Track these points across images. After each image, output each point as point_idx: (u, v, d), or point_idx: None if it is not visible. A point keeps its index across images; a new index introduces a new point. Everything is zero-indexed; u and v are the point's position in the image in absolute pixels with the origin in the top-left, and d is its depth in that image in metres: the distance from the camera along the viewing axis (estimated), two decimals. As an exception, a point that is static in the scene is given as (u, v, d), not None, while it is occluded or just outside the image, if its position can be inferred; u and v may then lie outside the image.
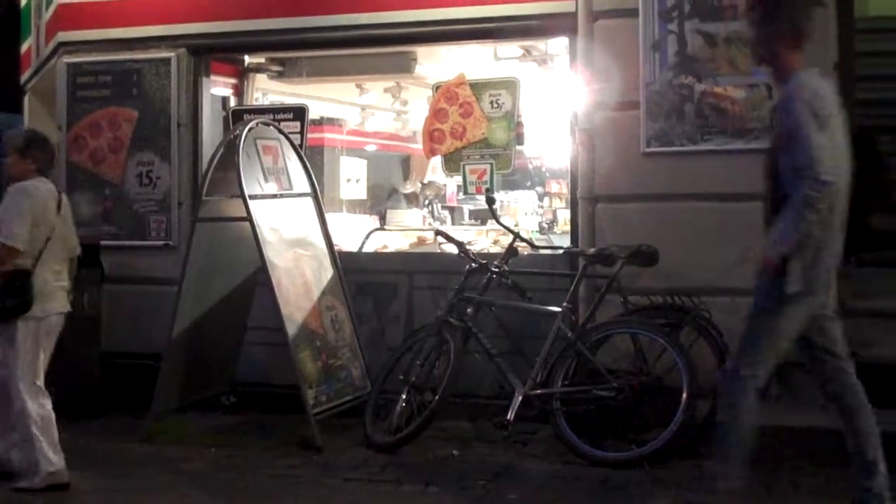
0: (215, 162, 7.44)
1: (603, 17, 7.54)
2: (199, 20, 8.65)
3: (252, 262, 7.55)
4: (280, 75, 9.41)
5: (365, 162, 12.62)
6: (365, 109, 11.90)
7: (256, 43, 8.81)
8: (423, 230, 10.62)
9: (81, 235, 8.32)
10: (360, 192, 12.38)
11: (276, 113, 8.64)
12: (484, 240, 10.06)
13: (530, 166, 13.89)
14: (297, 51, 9.03)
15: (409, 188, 14.15)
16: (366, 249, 9.03)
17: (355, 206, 12.16)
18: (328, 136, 12.07)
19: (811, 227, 4.73)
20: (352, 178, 12.57)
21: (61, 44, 9.13)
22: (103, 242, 8.50)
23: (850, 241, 5.19)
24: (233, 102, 9.28)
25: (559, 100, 8.55)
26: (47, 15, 9.81)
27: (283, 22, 8.48)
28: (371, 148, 13.43)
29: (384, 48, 8.83)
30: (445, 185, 13.50)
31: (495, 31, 8.08)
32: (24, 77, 11.82)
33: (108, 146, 8.86)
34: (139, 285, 8.65)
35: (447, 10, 8.02)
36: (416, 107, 11.21)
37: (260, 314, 7.88)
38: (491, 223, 9.70)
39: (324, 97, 11.11)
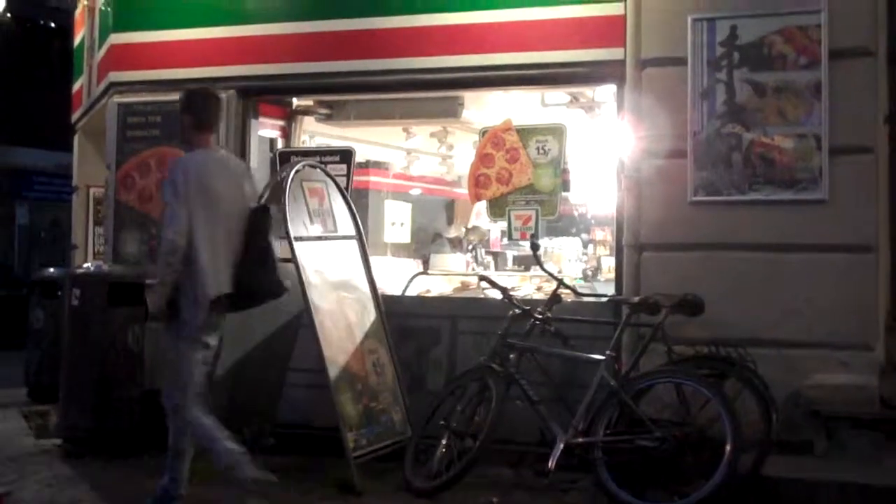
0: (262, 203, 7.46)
1: (651, 65, 7.54)
2: (248, 62, 8.74)
3: (296, 303, 7.54)
4: (328, 118, 9.48)
5: (409, 206, 12.65)
6: (410, 153, 11.93)
7: (305, 86, 8.90)
8: (466, 275, 10.60)
9: (128, 274, 8.51)
10: (405, 236, 12.39)
11: (323, 155, 8.69)
12: (528, 286, 10.01)
13: (576, 213, 13.86)
14: (345, 94, 9.10)
15: (453, 233, 14.14)
16: (409, 293, 9.02)
17: (399, 249, 12.17)
18: (373, 179, 12.12)
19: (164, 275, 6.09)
20: (396, 221, 12.59)
21: (112, 83, 9.25)
22: (148, 281, 8.52)
23: None
24: (280, 144, 9.34)
25: (606, 146, 8.53)
26: (99, 55, 9.96)
27: (331, 65, 8.55)
28: (416, 192, 13.46)
29: (431, 93, 8.89)
30: (489, 231, 13.51)
31: (542, 77, 8.13)
32: (74, 116, 11.99)
33: (155, 186, 8.92)
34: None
35: (495, 56, 8.07)
36: (462, 151, 11.24)
37: (302, 356, 7.88)
38: (535, 269, 9.68)
39: (370, 140, 11.18)
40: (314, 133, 10.03)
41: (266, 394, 7.98)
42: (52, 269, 10.74)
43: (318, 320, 7.16)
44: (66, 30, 16.78)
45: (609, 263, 11.88)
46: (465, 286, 9.95)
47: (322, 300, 7.31)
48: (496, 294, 7.58)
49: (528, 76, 8.09)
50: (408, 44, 8.33)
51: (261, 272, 6.34)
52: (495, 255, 13.66)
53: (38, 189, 26.60)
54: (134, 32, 9.17)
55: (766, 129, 7.21)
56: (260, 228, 6.36)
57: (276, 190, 7.38)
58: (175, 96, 8.63)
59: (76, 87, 11.92)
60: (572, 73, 7.99)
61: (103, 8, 9.79)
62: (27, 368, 10.58)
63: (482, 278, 8.21)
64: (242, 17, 8.78)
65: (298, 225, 7.33)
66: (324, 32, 8.57)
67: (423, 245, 12.99)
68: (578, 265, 12.63)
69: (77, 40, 11.98)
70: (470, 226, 13.94)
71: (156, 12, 9.09)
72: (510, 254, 13.03)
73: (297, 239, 7.21)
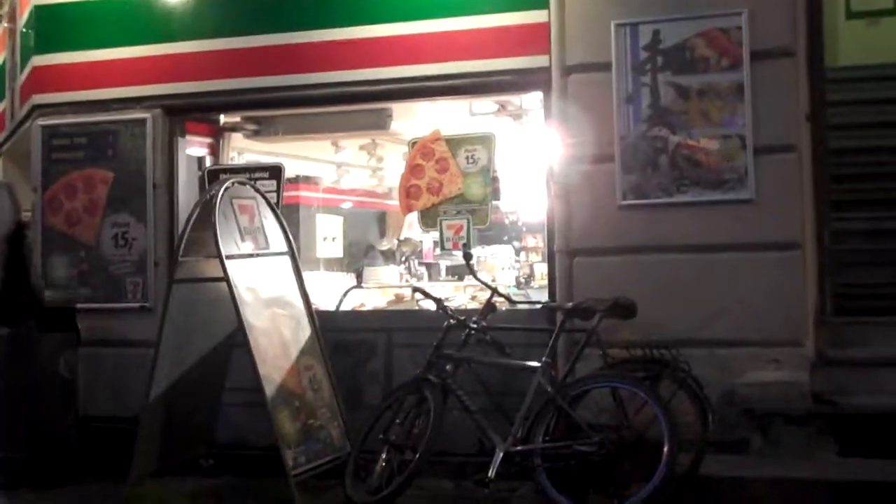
0: (192, 222, 7.40)
1: (576, 72, 7.58)
2: (173, 80, 8.66)
3: (229, 322, 7.48)
4: (256, 134, 9.41)
5: (341, 219, 12.66)
6: (340, 167, 11.92)
7: (231, 102, 8.82)
8: (400, 287, 10.60)
9: (57, 298, 8.39)
10: (337, 250, 12.39)
11: (252, 172, 8.62)
12: (462, 296, 10.05)
13: (507, 221, 13.93)
14: (272, 109, 9.01)
15: (385, 245, 14.19)
16: (343, 308, 8.99)
17: (332, 264, 12.15)
18: (304, 193, 12.12)
19: None
20: (328, 235, 12.60)
21: (36, 106, 9.11)
22: (79, 305, 8.43)
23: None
24: (209, 162, 9.26)
25: (534, 154, 8.57)
26: (22, 77, 9.81)
27: (257, 81, 8.50)
28: (347, 205, 13.48)
29: (359, 105, 8.84)
30: (422, 242, 13.53)
31: (469, 86, 8.12)
32: (-2, 140, 11.80)
33: (83, 208, 8.81)
34: (116, 348, 8.59)
35: (421, 67, 8.07)
36: (392, 163, 11.24)
37: (237, 375, 7.81)
38: (468, 279, 9.69)
39: (299, 155, 11.15)
40: (243, 150, 9.97)
41: (202, 414, 7.90)
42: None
43: (253, 338, 7.10)
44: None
45: (542, 270, 11.98)
46: (399, 299, 9.97)
47: (256, 318, 7.25)
48: (431, 305, 7.57)
49: (454, 86, 8.09)
50: (333, 57, 8.29)
51: (18, 288, 6.22)
52: (428, 265, 13.70)
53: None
54: (56, 54, 9.03)
55: (691, 131, 7.28)
56: (16, 244, 6.24)
57: (206, 208, 7.33)
58: (100, 117, 8.68)
59: (-1, 110, 11.75)
60: (498, 82, 8.01)
61: (24, 30, 9.63)
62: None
63: (416, 290, 8.22)
64: (166, 35, 8.68)
65: (229, 243, 7.26)
66: (248, 48, 8.51)
67: (356, 258, 12.99)
68: (511, 273, 12.70)
69: (-1, 63, 11.81)
70: (402, 237, 13.98)
71: (78, 33, 8.95)
72: (443, 264, 13.05)
73: (228, 257, 7.14)
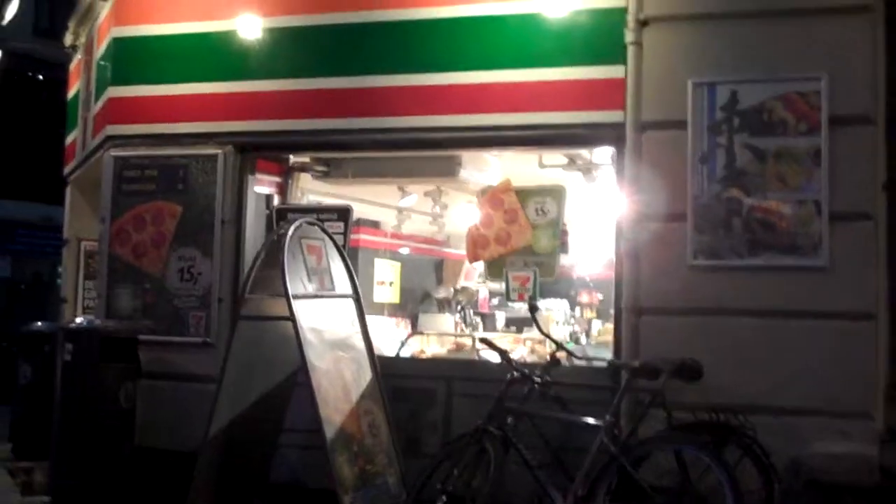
0: (260, 260, 7.42)
1: (651, 129, 7.55)
2: (247, 118, 8.71)
3: (291, 362, 7.50)
4: (324, 175, 9.41)
5: (399, 265, 12.62)
6: (402, 212, 11.90)
7: (303, 142, 8.84)
8: (462, 336, 10.54)
9: (121, 329, 8.42)
10: (393, 296, 12.36)
11: (320, 213, 8.64)
12: (521, 348, 9.97)
13: (574, 276, 13.77)
14: (344, 151, 9.00)
15: (441, 293, 14.15)
16: (402, 353, 8.95)
17: (387, 309, 12.12)
18: (364, 237, 12.10)
19: None
20: (385, 280, 12.56)
21: (109, 137, 9.20)
22: (141, 337, 8.45)
23: None
24: (276, 200, 9.28)
25: (602, 208, 8.52)
26: (96, 108, 9.93)
27: (330, 123, 8.53)
28: (405, 251, 13.44)
29: (429, 151, 8.84)
30: (478, 291, 13.48)
31: (541, 138, 8.09)
32: (67, 169, 11.94)
33: (150, 240, 8.86)
34: (175, 381, 8.59)
35: (495, 116, 8.05)
36: (455, 211, 11.21)
37: (295, 415, 7.79)
38: (528, 331, 9.64)
39: (362, 199, 11.13)
40: (308, 190, 9.96)
41: (259, 453, 7.88)
42: (39, 324, 10.62)
43: (315, 379, 7.07)
44: (56, 82, 16.83)
45: (598, 327, 11.90)
46: (459, 347, 9.91)
47: (319, 359, 7.23)
48: (492, 356, 7.51)
49: (527, 136, 8.06)
50: (406, 102, 8.30)
51: None
52: (483, 315, 13.64)
53: (20, 241, 26.42)
54: (132, 86, 9.13)
55: (766, 194, 7.22)
56: None
57: (275, 246, 7.34)
58: (172, 151, 8.74)
59: (69, 139, 11.89)
60: (571, 135, 7.99)
61: (101, 62, 9.76)
62: (13, 424, 10.42)
63: (482, 340, 8.17)
64: (242, 73, 8.73)
65: (296, 282, 7.27)
66: (323, 90, 8.55)
67: (412, 304, 12.94)
68: (566, 328, 12.59)
69: (71, 93, 11.97)
70: (459, 286, 13.94)
71: (155, 67, 9.05)
72: (501, 315, 13.00)
73: (294, 297, 7.14)
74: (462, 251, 14.32)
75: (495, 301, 15.80)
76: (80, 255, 11.77)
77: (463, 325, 12.99)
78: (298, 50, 8.72)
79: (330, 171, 9.43)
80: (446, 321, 12.51)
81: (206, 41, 8.92)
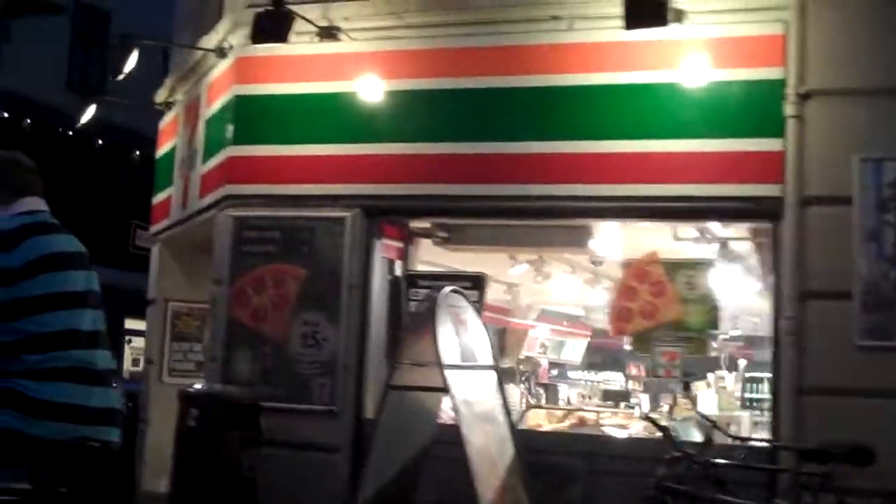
0: (406, 327, 7.18)
1: (814, 204, 7.36)
2: (374, 181, 8.50)
3: (425, 434, 7.24)
4: (445, 241, 9.18)
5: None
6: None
7: (431, 208, 8.62)
8: (580, 409, 10.27)
9: (245, 395, 8.13)
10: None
11: (454, 280, 8.39)
12: (636, 425, 9.67)
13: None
14: (475, 218, 8.75)
15: (507, 363, 13.89)
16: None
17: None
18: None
19: None
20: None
21: (227, 196, 8.96)
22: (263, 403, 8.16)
23: None
24: (398, 266, 9.04)
25: (745, 284, 8.31)
26: (206, 167, 9.67)
27: (459, 188, 8.34)
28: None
29: (559, 221, 8.64)
30: (541, 362, 13.25)
31: (695, 210, 7.89)
32: (156, 228, 11.69)
33: (271, 303, 8.59)
34: (298, 450, 8.25)
35: (636, 187, 7.84)
36: (557, 282, 10.96)
37: (428, 488, 7.49)
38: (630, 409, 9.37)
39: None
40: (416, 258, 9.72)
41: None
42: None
43: (470, 454, 6.78)
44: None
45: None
46: (582, 422, 9.58)
47: (471, 433, 6.94)
48: (622, 433, 7.25)
49: (680, 209, 7.85)
50: (541, 169, 8.12)
51: None
52: (545, 386, 13.37)
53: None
54: (254, 146, 8.91)
55: (937, 273, 7.02)
56: None
57: (423, 314, 7.10)
58: (296, 213, 8.52)
59: (159, 198, 11.64)
60: (723, 208, 7.78)
61: (216, 119, 9.52)
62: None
63: (646, 418, 7.87)
64: (369, 136, 8.55)
65: (448, 352, 7.01)
66: (456, 154, 8.36)
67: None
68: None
69: (163, 150, 11.72)
70: (523, 356, 13.69)
71: (278, 126, 8.84)
72: (563, 386, 12.76)
73: (447, 367, 6.88)
74: (528, 321, 14.19)
75: (555, 372, 15.58)
76: (166, 315, 11.48)
77: (528, 396, 12.75)
78: (426, 114, 8.56)
79: (450, 238, 9.20)
80: (512, 392, 12.23)
81: (333, 102, 8.72)
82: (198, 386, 8.41)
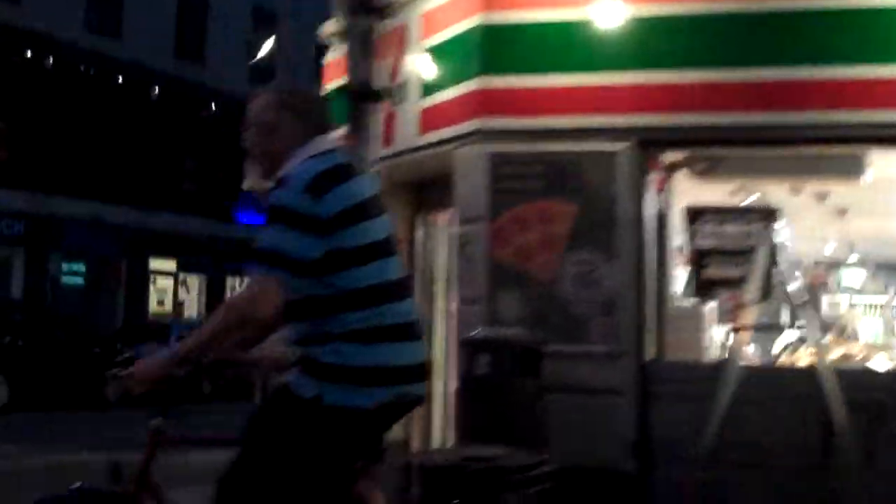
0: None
1: None
2: (648, 111, 8.06)
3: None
4: (704, 173, 8.73)
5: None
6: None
7: (707, 138, 8.18)
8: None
9: (525, 339, 7.73)
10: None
11: (743, 214, 7.96)
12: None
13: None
14: (751, 147, 8.31)
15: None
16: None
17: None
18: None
19: None
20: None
21: (478, 131, 8.48)
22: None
23: None
24: (657, 200, 8.59)
25: None
26: (430, 100, 9.13)
27: (738, 117, 7.92)
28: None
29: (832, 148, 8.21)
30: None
31: None
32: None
33: (537, 242, 8.17)
34: (578, 394, 7.86)
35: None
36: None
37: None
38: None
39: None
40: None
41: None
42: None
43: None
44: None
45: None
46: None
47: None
48: None
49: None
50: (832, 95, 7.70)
51: None
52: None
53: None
54: (506, 76, 8.43)
55: None
56: None
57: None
58: (561, 147, 8.08)
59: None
60: None
61: (448, 50, 8.97)
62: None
63: None
64: (638, 63, 8.10)
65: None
66: (738, 82, 7.95)
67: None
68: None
69: (331, 86, 11.02)
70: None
71: (534, 55, 8.35)
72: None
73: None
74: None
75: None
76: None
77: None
78: (701, 39, 8.11)
79: (709, 168, 8.76)
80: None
81: (590, 29, 8.16)
82: (483, 332, 7.97)
